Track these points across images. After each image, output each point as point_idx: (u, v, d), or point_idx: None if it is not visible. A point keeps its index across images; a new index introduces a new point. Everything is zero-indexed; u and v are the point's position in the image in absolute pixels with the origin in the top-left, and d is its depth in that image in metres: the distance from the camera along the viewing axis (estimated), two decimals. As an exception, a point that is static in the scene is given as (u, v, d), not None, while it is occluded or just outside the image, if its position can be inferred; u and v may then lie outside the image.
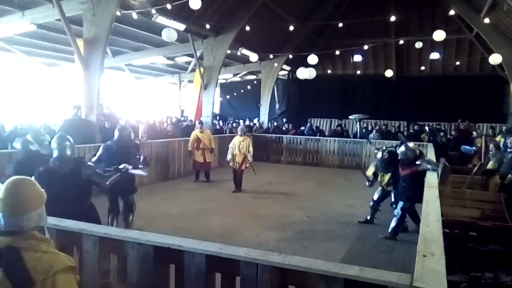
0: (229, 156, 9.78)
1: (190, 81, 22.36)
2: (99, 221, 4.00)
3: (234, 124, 18.49)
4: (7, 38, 13.28)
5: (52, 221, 2.65)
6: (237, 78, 23.91)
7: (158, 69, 22.01)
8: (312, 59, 13.99)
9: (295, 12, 15.98)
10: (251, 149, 9.78)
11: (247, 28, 13.88)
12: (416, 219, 6.14)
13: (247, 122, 18.84)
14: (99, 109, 9.93)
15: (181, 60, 19.27)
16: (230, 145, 9.89)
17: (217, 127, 16.97)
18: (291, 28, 14.71)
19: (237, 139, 9.78)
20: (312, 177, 11.97)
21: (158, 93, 25.51)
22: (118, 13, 9.89)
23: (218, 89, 21.48)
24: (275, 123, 18.87)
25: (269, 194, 9.52)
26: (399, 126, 19.73)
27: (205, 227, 6.67)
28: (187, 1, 9.38)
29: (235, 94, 24.24)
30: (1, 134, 9.22)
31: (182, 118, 18.03)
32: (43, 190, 1.80)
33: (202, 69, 14.79)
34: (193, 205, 8.25)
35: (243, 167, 9.72)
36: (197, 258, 2.37)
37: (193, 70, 19.46)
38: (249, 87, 23.17)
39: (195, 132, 11.12)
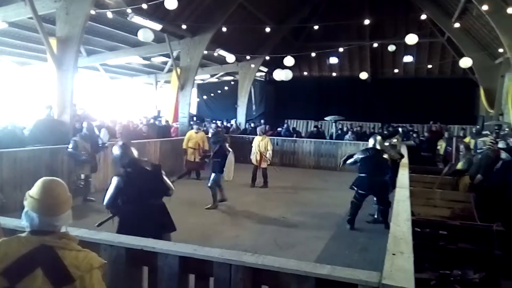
0: (253, 156, 10.70)
1: (167, 82, 22.19)
2: (170, 218, 4.35)
3: (213, 124, 18.41)
4: (-24, 36, 12.90)
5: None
6: (214, 79, 23.85)
7: (134, 69, 21.75)
8: (289, 60, 14.11)
9: (272, 14, 16.09)
10: (269, 147, 10.63)
11: (224, 29, 13.88)
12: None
13: (223, 123, 18.82)
14: (72, 109, 9.74)
15: (158, 60, 19.09)
16: (253, 144, 10.85)
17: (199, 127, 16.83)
18: (268, 29, 14.78)
19: (257, 139, 10.68)
20: (289, 178, 12.06)
21: (133, 94, 25.22)
22: (92, 12, 9.73)
23: (195, 90, 21.42)
24: (252, 124, 18.90)
25: (247, 194, 9.57)
26: (373, 128, 20.10)
27: (184, 228, 6.62)
28: (163, 1, 9.31)
29: (212, 94, 24.17)
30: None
31: (159, 119, 17.85)
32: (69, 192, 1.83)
33: (178, 70, 14.69)
34: (173, 206, 8.16)
35: (264, 165, 10.62)
36: (170, 259, 2.37)
37: (169, 71, 19.32)
38: (226, 88, 23.16)
39: (190, 132, 11.69)
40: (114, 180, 4.07)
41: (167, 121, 15.25)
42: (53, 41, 9.31)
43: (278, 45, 18.51)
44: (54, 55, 9.25)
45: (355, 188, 7.13)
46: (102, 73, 20.73)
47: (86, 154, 8.19)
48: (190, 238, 4.96)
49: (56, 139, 8.72)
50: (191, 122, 14.82)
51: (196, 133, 11.57)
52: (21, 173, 7.49)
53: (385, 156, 7.14)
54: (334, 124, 17.35)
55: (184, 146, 11.43)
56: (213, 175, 8.26)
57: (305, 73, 22.12)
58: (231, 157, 8.38)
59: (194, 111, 22.42)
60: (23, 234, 1.72)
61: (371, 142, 7.39)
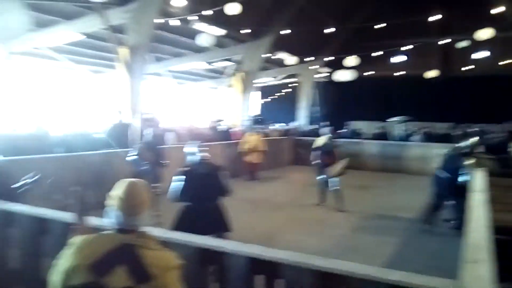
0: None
1: (229, 86, 22.63)
2: (226, 218, 4.58)
3: (277, 126, 18.50)
4: (56, 47, 13.97)
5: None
6: (275, 81, 23.95)
7: (197, 74, 22.42)
8: (351, 61, 13.82)
9: (334, 14, 15.85)
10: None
11: (285, 31, 13.89)
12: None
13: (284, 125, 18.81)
14: (141, 114, 10.25)
15: (220, 65, 19.53)
16: (317, 145, 10.37)
17: (257, 130, 17.01)
18: (330, 30, 14.58)
19: (322, 140, 10.15)
20: (353, 181, 11.75)
21: (198, 98, 25.96)
22: (159, 21, 10.18)
23: (258, 92, 21.63)
24: (313, 127, 18.72)
25: (311, 197, 9.45)
26: (445, 128, 19.05)
27: (247, 229, 6.70)
28: (226, 7, 9.51)
29: (273, 97, 24.29)
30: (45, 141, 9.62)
31: (221, 122, 18.23)
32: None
33: (241, 73, 14.93)
34: (234, 206, 8.28)
35: None
36: (238, 260, 2.39)
37: (232, 75, 19.70)
38: (287, 90, 23.15)
39: (247, 135, 11.84)
40: (175, 177, 4.44)
41: (229, 124, 15.53)
42: (123, 50, 9.87)
43: (340, 46, 18.20)
44: (124, 63, 9.80)
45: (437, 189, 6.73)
46: (168, 79, 21.58)
47: (147, 163, 7.39)
48: (254, 240, 4.99)
49: (126, 143, 9.20)
50: (249, 124, 14.99)
51: (252, 135, 11.77)
52: (95, 175, 7.96)
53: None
54: (400, 125, 16.66)
55: (241, 149, 11.61)
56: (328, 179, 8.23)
57: (369, 73, 21.49)
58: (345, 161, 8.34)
59: (256, 113, 22.64)
60: (108, 232, 1.82)
61: (463, 143, 6.92)
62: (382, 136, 15.85)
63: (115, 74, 13.90)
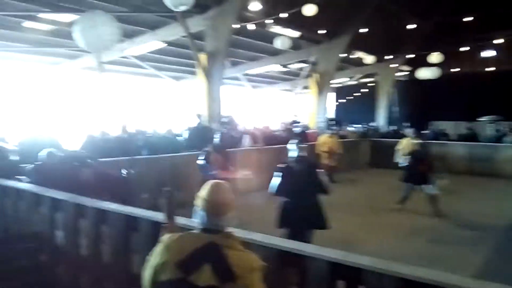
0: (398, 159, 10.10)
1: (304, 87, 22.53)
2: (324, 216, 4.75)
3: (351, 128, 18.07)
4: (141, 56, 14.91)
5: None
6: (352, 82, 23.39)
7: (273, 77, 22.61)
8: (435, 57, 13.04)
9: (415, 9, 15.08)
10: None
11: (363, 30, 13.49)
12: None
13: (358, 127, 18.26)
14: (220, 117, 10.55)
15: (295, 67, 19.51)
16: (398, 147, 10.25)
17: (332, 132, 16.69)
18: (410, 26, 13.89)
19: (405, 141, 10.07)
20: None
21: (272, 100, 26.19)
22: (236, 26, 10.42)
23: (332, 94, 21.28)
24: (393, 128, 17.96)
25: (390, 201, 9.07)
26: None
27: (325, 233, 6.59)
28: (302, 9, 9.47)
29: (350, 98, 23.72)
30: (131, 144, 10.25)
31: (296, 124, 18.18)
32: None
33: (316, 75, 14.78)
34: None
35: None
36: (319, 263, 2.34)
37: (307, 76, 19.58)
38: (365, 90, 22.48)
39: (323, 137, 11.67)
40: (276, 173, 4.74)
41: (305, 126, 15.43)
42: (202, 56, 10.24)
43: (421, 42, 17.26)
44: (203, 69, 10.16)
45: None
46: (244, 83, 22.04)
47: (215, 168, 7.08)
48: (331, 243, 4.88)
49: (205, 145, 9.51)
50: (325, 126, 14.76)
51: (329, 137, 11.54)
52: (178, 176, 8.34)
53: None
54: (491, 125, 15.38)
55: (317, 151, 11.40)
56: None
57: (454, 69, 20.14)
58: None
59: (331, 115, 22.28)
60: (195, 231, 1.88)
61: None
62: (470, 137, 14.76)
63: (195, 79, 14.51)
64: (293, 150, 4.94)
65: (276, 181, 4.71)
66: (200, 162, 6.95)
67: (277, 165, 4.84)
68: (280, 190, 4.65)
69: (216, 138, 7.46)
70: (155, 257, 1.82)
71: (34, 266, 3.90)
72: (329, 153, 11.24)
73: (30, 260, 3.91)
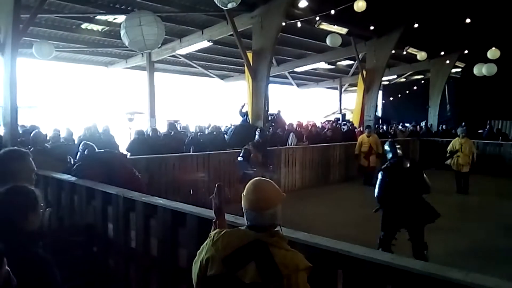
0: (449, 160, 9.96)
1: (351, 85, 22.11)
2: (431, 208, 4.77)
3: (400, 127, 17.55)
4: (189, 55, 15.22)
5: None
6: (401, 79, 22.64)
7: (319, 75, 22.36)
8: (493, 53, 12.34)
9: (469, 2, 14.30)
10: (474, 150, 9.85)
11: (415, 25, 12.98)
12: None
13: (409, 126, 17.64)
14: (266, 115, 10.56)
15: (343, 64, 19.16)
16: (449, 148, 10.02)
17: (380, 130, 16.28)
18: (465, 21, 13.19)
19: (457, 141, 9.84)
20: (493, 188, 10.50)
21: (319, 98, 25.93)
22: (283, 24, 10.37)
23: (380, 91, 20.71)
24: (444, 127, 17.22)
25: (440, 203, 8.69)
26: None
27: (371, 236, 6.42)
28: (351, 5, 9.26)
29: (399, 95, 22.98)
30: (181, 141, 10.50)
31: (343, 123, 17.89)
32: (280, 190, 1.95)
33: (364, 72, 14.44)
34: (356, 211, 8.00)
35: (467, 169, 9.79)
36: (366, 266, 2.27)
37: (354, 74, 19.18)
38: (415, 87, 21.70)
39: (363, 136, 11.23)
40: (379, 175, 4.87)
41: (352, 124, 15.13)
42: (249, 54, 10.28)
43: (479, 36, 16.34)
44: (250, 67, 10.20)
45: None
46: (290, 81, 21.94)
47: (255, 166, 7.01)
48: (373, 245, 4.76)
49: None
50: (372, 124, 14.35)
51: (368, 136, 11.07)
52: (224, 172, 8.46)
53: None
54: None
55: (356, 151, 11.07)
56: None
57: (513, 66, 18.96)
58: None
59: (379, 113, 21.73)
60: (242, 228, 1.90)
61: None
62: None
63: (242, 78, 14.60)
64: (388, 151, 5.11)
65: (380, 183, 4.85)
66: (239, 159, 6.96)
67: (381, 168, 5.02)
68: (382, 193, 4.81)
69: (257, 135, 7.31)
70: (203, 252, 1.87)
71: (87, 257, 4.08)
72: (368, 153, 10.86)
73: (84, 250, 4.09)
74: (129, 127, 13.60)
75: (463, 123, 17.18)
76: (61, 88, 18.60)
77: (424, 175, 4.84)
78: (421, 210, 4.72)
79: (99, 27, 12.01)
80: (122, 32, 6.76)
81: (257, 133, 7.37)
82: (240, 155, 6.96)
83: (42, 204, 2.02)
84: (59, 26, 11.71)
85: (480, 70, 13.47)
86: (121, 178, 4.35)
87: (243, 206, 1.89)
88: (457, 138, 9.92)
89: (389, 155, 5.06)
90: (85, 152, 4.76)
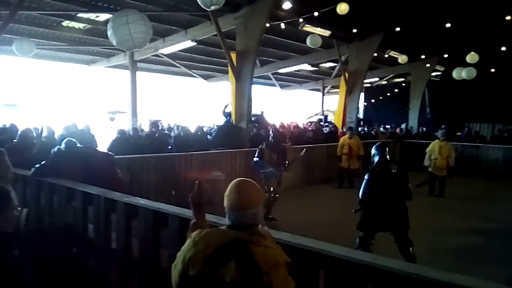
0: (427, 162, 9.91)
1: (334, 87, 22.33)
2: (407, 218, 4.79)
3: (381, 129, 17.79)
4: (172, 54, 15.13)
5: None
6: (383, 82, 22.98)
7: (302, 76, 22.51)
8: (472, 57, 12.62)
9: (450, 7, 14.61)
10: (452, 153, 9.74)
11: (397, 28, 13.19)
12: None
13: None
14: (249, 116, 10.55)
15: (325, 66, 19.33)
16: (428, 149, 9.98)
17: (361, 132, 16.47)
18: (446, 25, 13.47)
19: (437, 144, 9.73)
20: (470, 189, 10.74)
21: (302, 99, 26.08)
22: (267, 25, 10.40)
23: (362, 94, 20.97)
24: (424, 129, 17.53)
25: (419, 203, 8.85)
26: None
27: (352, 237, 6.49)
28: (334, 7, 9.36)
29: (380, 98, 23.32)
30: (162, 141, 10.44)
31: (325, 124, 18.04)
32: (262, 191, 1.99)
33: (346, 74, 14.59)
34: (337, 212, 8.07)
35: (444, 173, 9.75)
36: (347, 266, 2.30)
37: (337, 76, 19.38)
38: (396, 90, 22.06)
39: (344, 138, 11.12)
40: (366, 176, 4.83)
41: (334, 126, 15.27)
42: (233, 55, 10.28)
43: (458, 41, 16.70)
44: (234, 68, 10.19)
45: None
46: (273, 82, 22.01)
47: (271, 165, 7.10)
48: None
49: (234, 144, 9.57)
50: (354, 126, 14.50)
51: (350, 138, 10.92)
52: (207, 173, 8.43)
53: None
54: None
55: (338, 153, 10.92)
56: None
57: (492, 69, 19.42)
58: None
59: (361, 115, 22.00)
60: (222, 228, 1.92)
61: None
62: (506, 139, 14.23)
63: (225, 78, 14.58)
64: (376, 154, 5.05)
65: (364, 185, 4.84)
66: (255, 159, 7.10)
67: (367, 170, 4.98)
68: (366, 195, 4.79)
69: (270, 135, 7.46)
70: (184, 252, 1.88)
71: (67, 258, 4.02)
72: (349, 155, 10.76)
73: (63, 251, 4.03)
74: (110, 126, 13.44)
75: (443, 126, 17.56)
76: (42, 87, 18.26)
77: (409, 183, 4.87)
78: (402, 215, 4.78)
79: (80, 25, 11.84)
80: (109, 32, 6.69)
81: (270, 133, 7.52)
82: (255, 155, 7.12)
83: (15, 204, 1.96)
84: (40, 23, 11.51)
85: (459, 73, 13.77)
86: (102, 176, 4.27)
87: (225, 205, 1.91)
88: (436, 141, 9.97)
89: (376, 158, 5.05)
90: (63, 148, 4.61)
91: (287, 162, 7.39)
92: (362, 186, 4.86)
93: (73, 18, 11.14)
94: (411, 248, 4.77)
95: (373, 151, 5.13)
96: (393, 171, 4.92)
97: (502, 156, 13.10)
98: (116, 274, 3.75)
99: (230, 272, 1.74)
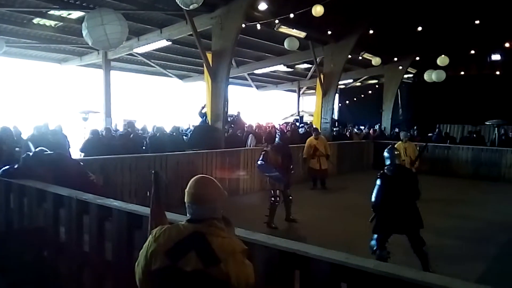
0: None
1: (309, 88, 22.53)
2: (420, 217, 4.93)
3: (356, 130, 18.06)
4: (147, 54, 14.94)
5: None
6: (357, 83, 23.34)
7: (278, 77, 22.60)
8: (442, 60, 12.98)
9: (423, 11, 14.98)
10: (416, 153, 9.66)
11: (370, 31, 13.43)
12: None
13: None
14: (225, 117, 10.52)
15: (301, 67, 19.49)
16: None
17: (334, 133, 16.64)
18: (418, 29, 13.81)
19: (401, 145, 9.64)
20: (440, 188, 11.04)
21: (278, 100, 26.20)
22: (243, 25, 10.40)
23: (337, 95, 21.24)
24: (397, 130, 17.90)
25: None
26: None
27: (327, 236, 6.56)
28: (309, 9, 9.44)
29: (355, 99, 23.70)
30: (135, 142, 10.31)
31: (301, 125, 18.18)
32: (222, 189, 2.07)
33: (322, 76, 14.75)
34: (311, 212, 8.17)
35: None
36: (322, 266, 2.32)
37: (312, 77, 19.57)
38: (370, 91, 22.45)
39: (310, 139, 11.04)
40: (378, 181, 4.90)
41: (310, 127, 15.41)
42: (208, 55, 10.23)
43: (430, 44, 17.14)
44: (209, 68, 10.15)
45: None
46: (250, 82, 22.03)
47: (276, 168, 6.99)
48: (335, 246, 4.87)
49: (210, 144, 9.53)
50: (328, 127, 14.68)
51: (316, 139, 10.88)
52: (182, 174, 8.35)
53: None
54: (496, 129, 15.29)
55: (305, 155, 10.81)
56: None
57: (462, 72, 20.02)
58: None
59: (335, 116, 22.26)
60: (182, 222, 2.01)
61: None
62: (475, 140, 14.70)
63: (201, 78, 14.49)
64: (387, 157, 5.14)
65: (376, 189, 4.91)
66: (259, 162, 7.02)
67: (379, 175, 5.03)
68: (379, 200, 4.87)
69: (277, 138, 7.38)
70: (145, 248, 1.97)
71: (37, 262, 3.91)
72: (318, 156, 10.75)
73: (34, 255, 3.92)
74: (83, 126, 13.15)
75: (415, 127, 17.99)
76: (11, 85, 17.69)
77: (416, 183, 5.04)
78: (415, 215, 4.91)
79: (52, 23, 11.55)
80: (84, 33, 6.57)
81: (277, 135, 7.43)
82: (260, 158, 7.01)
83: None
84: (10, 20, 11.16)
85: (430, 76, 14.14)
86: (74, 180, 4.19)
87: (185, 200, 2.00)
88: (400, 142, 9.83)
89: (387, 162, 5.14)
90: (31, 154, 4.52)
91: (292, 166, 7.37)
92: (374, 191, 4.92)
93: (44, 16, 10.84)
94: (424, 247, 4.90)
95: (385, 154, 5.21)
96: (404, 173, 5.12)
97: (471, 156, 13.52)
98: (89, 278, 3.68)
99: (190, 262, 1.84)
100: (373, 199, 4.92)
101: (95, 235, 3.58)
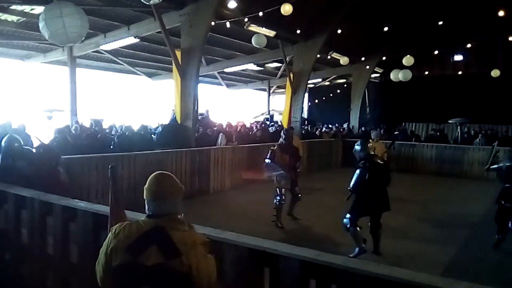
0: None
1: (279, 87, 22.64)
2: (389, 201, 5.56)
3: (325, 128, 18.28)
4: (114, 51, 14.60)
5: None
6: (326, 82, 23.64)
7: (248, 76, 22.60)
8: (408, 60, 13.32)
9: (389, 12, 15.34)
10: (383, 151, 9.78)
11: (339, 31, 13.63)
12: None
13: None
14: (195, 115, 10.42)
15: (271, 66, 19.55)
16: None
17: (303, 132, 16.78)
18: (384, 29, 14.13)
19: (372, 144, 9.70)
20: (406, 185, 11.31)
21: (248, 99, 26.20)
22: (212, 23, 10.32)
23: (306, 94, 21.43)
24: (363, 128, 18.26)
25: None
26: (506, 131, 17.90)
27: (298, 233, 6.61)
28: (278, 8, 9.48)
29: (323, 98, 23.99)
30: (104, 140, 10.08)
31: (271, 124, 18.25)
32: (180, 184, 2.10)
33: (291, 75, 14.85)
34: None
35: None
36: (292, 263, 2.33)
37: (282, 76, 19.66)
38: (338, 91, 22.78)
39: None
40: (358, 171, 5.40)
41: (280, 126, 15.49)
42: (178, 53, 10.10)
43: (395, 44, 17.58)
44: (179, 66, 10.02)
45: (502, 202, 6.05)
46: (220, 81, 21.93)
47: (283, 166, 7.00)
48: (305, 243, 4.92)
49: (179, 143, 9.42)
50: (298, 126, 14.77)
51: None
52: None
53: None
54: (459, 127, 15.83)
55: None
56: None
57: (426, 72, 20.63)
58: None
59: (305, 115, 22.47)
60: (143, 218, 2.02)
61: None
62: (439, 138, 15.19)
63: (170, 76, 14.30)
64: (360, 150, 5.54)
65: (356, 177, 5.40)
66: (267, 161, 7.05)
67: (359, 166, 5.45)
68: (356, 187, 5.41)
69: (282, 137, 7.31)
70: (106, 246, 1.97)
71: (-3, 266, 3.76)
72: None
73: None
74: (48, 125, 12.72)
75: (382, 125, 18.40)
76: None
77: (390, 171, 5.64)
78: (385, 199, 5.50)
79: (14, 18, 11.10)
80: (41, 25, 6.30)
81: (282, 134, 7.37)
82: (267, 157, 7.03)
83: None
84: (-32, 15, 10.67)
85: (396, 75, 14.48)
86: (44, 178, 4.05)
87: (145, 197, 2.03)
88: (370, 140, 10.21)
89: (361, 154, 5.54)
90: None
91: (299, 164, 7.47)
92: (353, 179, 5.44)
93: (5, 11, 10.41)
94: (379, 230, 5.61)
95: (357, 147, 5.61)
96: (379, 162, 5.53)
97: (435, 153, 13.95)
98: (53, 282, 3.56)
99: (151, 256, 1.84)
100: (351, 186, 5.48)
101: (59, 237, 3.47)
